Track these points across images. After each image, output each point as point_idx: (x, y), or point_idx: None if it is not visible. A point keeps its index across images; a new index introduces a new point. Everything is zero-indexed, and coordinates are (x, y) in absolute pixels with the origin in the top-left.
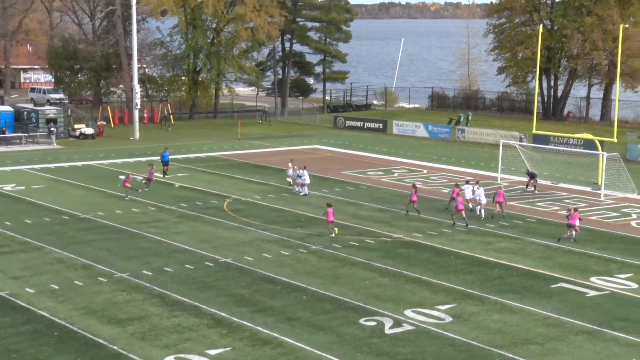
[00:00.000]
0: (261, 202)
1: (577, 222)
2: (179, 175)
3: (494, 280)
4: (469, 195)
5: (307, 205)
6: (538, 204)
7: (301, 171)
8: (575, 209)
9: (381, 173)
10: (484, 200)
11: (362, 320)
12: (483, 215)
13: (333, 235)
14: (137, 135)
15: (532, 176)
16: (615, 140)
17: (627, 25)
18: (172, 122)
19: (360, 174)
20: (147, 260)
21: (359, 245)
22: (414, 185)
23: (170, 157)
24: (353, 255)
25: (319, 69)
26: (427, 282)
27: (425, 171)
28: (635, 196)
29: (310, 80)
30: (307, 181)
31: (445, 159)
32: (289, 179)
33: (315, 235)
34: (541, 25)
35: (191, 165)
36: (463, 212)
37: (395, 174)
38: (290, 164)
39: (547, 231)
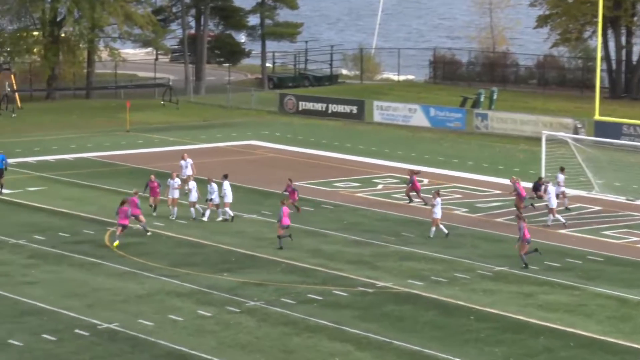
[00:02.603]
0: (165, 231)
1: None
2: (30, 189)
3: (540, 355)
4: None
5: (240, 236)
6: (604, 232)
7: (211, 184)
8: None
9: (357, 185)
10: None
11: None
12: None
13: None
14: None
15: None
16: None
17: None
18: (19, 104)
19: (324, 187)
20: None
21: (323, 300)
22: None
23: (8, 162)
24: (314, 316)
25: (254, 20)
26: (432, 359)
27: (426, 181)
28: None
29: (242, 38)
30: (228, 199)
31: (457, 161)
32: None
33: (254, 284)
34: None
35: (50, 174)
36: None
37: (379, 187)
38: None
39: (620, 275)
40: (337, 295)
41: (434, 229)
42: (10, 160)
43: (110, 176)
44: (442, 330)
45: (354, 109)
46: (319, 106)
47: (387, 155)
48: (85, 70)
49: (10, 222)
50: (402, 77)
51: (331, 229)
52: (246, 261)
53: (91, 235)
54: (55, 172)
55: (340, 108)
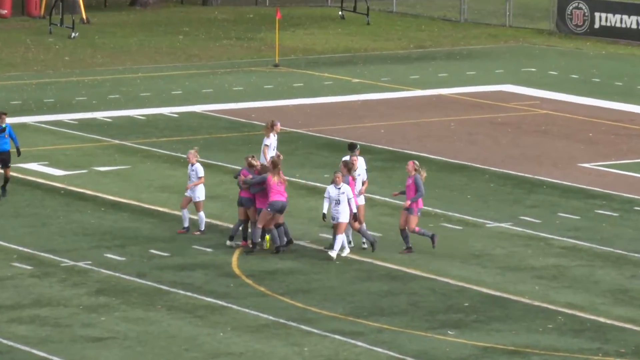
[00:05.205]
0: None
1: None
2: (100, 169)
3: None
4: None
5: (478, 262)
6: None
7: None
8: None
9: None
10: None
11: None
12: None
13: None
14: None
15: None
16: None
17: None
18: (83, 15)
19: (637, 173)
20: None
21: None
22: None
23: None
24: None
25: None
26: None
27: None
28: None
29: None
30: (358, 206)
31: None
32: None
33: (504, 350)
34: None
35: (136, 142)
36: None
37: None
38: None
39: None
40: None
41: None
42: (67, 117)
43: (242, 147)
44: None
45: None
46: (632, 21)
47: None
48: None
49: (66, 227)
50: None
51: None
52: (489, 308)
53: (207, 255)
54: (146, 138)
55: None
